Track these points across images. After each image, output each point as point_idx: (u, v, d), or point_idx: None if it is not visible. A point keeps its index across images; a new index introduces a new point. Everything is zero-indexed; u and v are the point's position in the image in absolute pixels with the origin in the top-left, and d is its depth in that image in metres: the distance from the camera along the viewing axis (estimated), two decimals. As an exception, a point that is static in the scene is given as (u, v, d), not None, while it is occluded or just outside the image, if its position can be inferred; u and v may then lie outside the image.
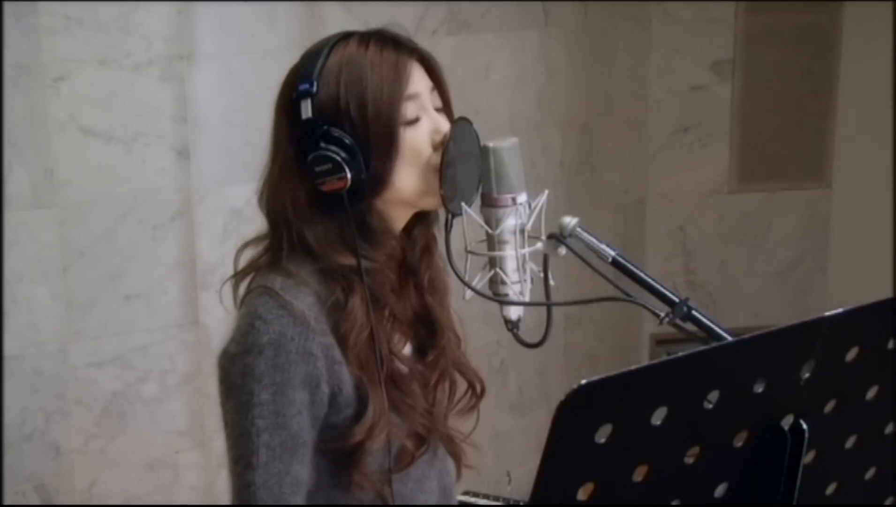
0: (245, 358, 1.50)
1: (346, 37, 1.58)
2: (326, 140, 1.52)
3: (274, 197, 1.59)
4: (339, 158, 1.51)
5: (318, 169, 1.52)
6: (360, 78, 1.53)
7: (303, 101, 1.53)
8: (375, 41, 1.56)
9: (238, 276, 1.63)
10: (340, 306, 1.54)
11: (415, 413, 1.62)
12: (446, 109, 1.62)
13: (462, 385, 1.75)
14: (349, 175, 1.51)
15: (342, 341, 1.54)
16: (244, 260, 1.64)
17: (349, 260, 1.55)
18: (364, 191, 1.54)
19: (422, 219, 1.67)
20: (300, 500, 1.54)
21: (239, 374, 1.51)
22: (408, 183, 1.56)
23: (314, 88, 1.53)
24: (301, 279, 1.54)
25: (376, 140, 1.53)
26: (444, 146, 1.54)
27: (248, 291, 1.59)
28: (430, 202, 1.60)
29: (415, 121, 1.56)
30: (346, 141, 1.52)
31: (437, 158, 1.56)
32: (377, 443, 1.56)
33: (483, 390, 1.75)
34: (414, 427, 1.62)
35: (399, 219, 1.62)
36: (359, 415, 1.55)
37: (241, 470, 1.51)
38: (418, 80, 1.58)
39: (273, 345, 1.49)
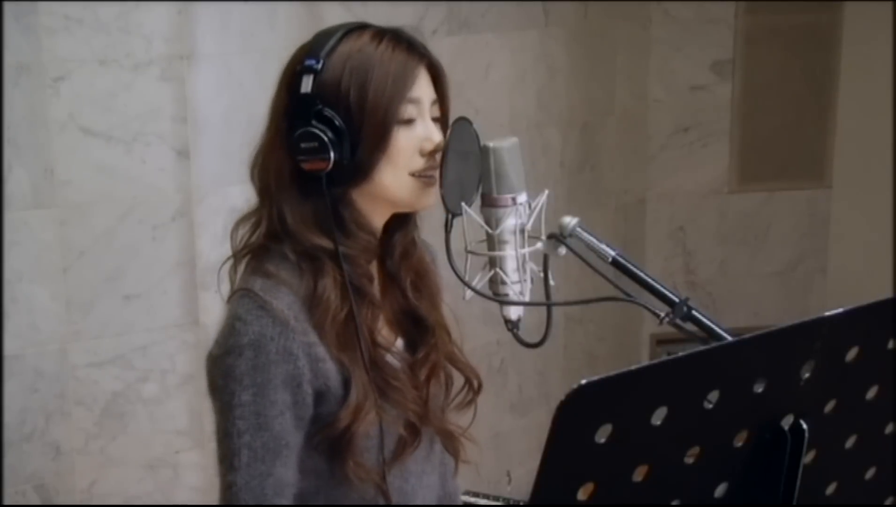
0: (226, 359, 1.51)
1: (361, 27, 1.59)
2: (318, 119, 1.52)
3: (262, 168, 1.60)
4: (325, 139, 1.51)
5: (303, 145, 1.53)
6: (367, 67, 1.54)
7: (305, 75, 1.53)
8: (389, 38, 1.57)
9: (235, 258, 1.63)
10: (311, 290, 1.54)
11: (405, 399, 1.61)
12: (443, 121, 1.62)
13: (459, 380, 1.75)
14: (332, 158, 1.52)
15: (319, 327, 1.53)
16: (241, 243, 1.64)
17: (322, 241, 1.55)
18: (343, 178, 1.54)
19: (402, 224, 1.67)
20: (284, 502, 1.54)
21: (221, 375, 1.52)
22: (386, 180, 1.56)
23: (319, 66, 1.53)
24: (281, 280, 1.54)
25: (368, 131, 1.53)
26: (444, 146, 1.55)
27: (231, 294, 1.59)
28: (405, 204, 1.61)
29: (410, 123, 1.57)
30: (337, 124, 1.52)
31: (420, 165, 1.57)
32: (364, 425, 1.55)
33: (480, 384, 1.75)
34: (406, 415, 1.62)
35: (376, 215, 1.62)
36: (346, 401, 1.55)
37: (225, 471, 1.52)
38: (423, 87, 1.58)
39: (253, 346, 1.49)
